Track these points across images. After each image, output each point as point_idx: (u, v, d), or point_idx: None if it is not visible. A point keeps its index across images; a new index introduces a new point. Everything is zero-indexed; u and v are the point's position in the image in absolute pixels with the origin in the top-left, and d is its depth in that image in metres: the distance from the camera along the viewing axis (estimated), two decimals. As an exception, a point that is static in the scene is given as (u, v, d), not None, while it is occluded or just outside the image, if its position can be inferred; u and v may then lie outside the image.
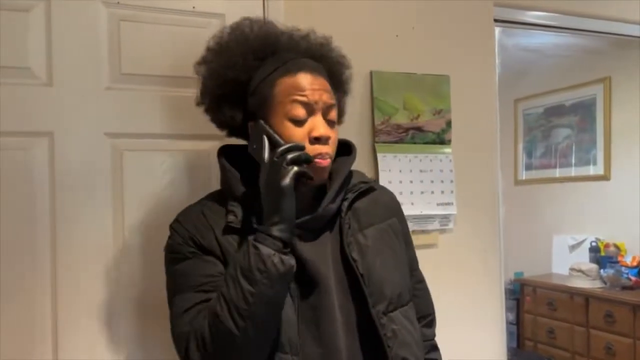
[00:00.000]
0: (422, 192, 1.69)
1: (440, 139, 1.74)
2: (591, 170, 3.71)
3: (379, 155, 1.64)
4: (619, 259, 3.39)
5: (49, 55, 1.26)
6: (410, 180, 1.67)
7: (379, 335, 0.98)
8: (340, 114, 1.12)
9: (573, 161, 3.85)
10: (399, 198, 1.70)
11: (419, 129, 1.71)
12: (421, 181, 1.69)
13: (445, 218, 1.73)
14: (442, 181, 1.72)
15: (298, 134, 0.96)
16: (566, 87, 3.84)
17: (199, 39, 1.40)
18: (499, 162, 1.88)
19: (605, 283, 3.33)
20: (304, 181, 0.93)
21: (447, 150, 1.75)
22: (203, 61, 1.08)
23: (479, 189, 1.82)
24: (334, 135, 1.00)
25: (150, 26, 1.35)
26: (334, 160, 1.04)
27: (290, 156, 0.89)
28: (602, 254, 3.50)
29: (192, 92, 1.38)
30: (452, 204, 1.74)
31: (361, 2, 1.66)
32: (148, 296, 1.33)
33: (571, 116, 3.86)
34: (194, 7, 1.39)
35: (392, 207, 1.17)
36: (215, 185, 1.40)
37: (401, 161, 1.67)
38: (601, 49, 3.26)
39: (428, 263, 1.71)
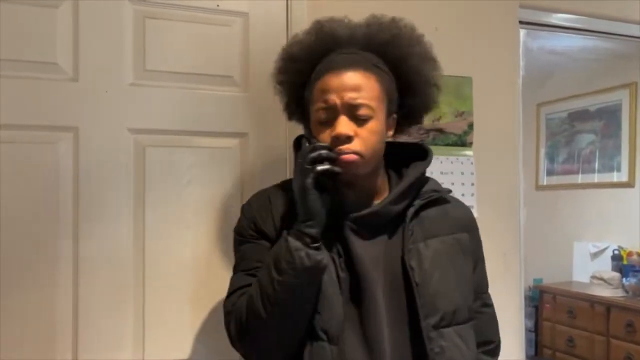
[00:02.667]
0: (442, 195, 1.67)
1: (462, 141, 1.72)
2: (615, 177, 3.64)
3: (399, 157, 1.63)
4: (642, 267, 3.32)
5: (76, 51, 1.28)
6: (430, 182, 1.66)
7: (424, 349, 0.96)
8: (423, 103, 1.10)
9: (596, 167, 3.78)
10: (419, 199, 1.66)
11: (440, 130, 1.69)
12: (442, 183, 1.67)
13: (465, 221, 1.71)
14: (462, 184, 1.71)
15: (325, 135, 0.97)
16: (591, 91, 3.78)
17: (223, 36, 1.42)
18: (520, 166, 1.85)
19: (627, 292, 3.27)
20: (333, 178, 0.95)
21: (469, 152, 1.73)
22: (277, 71, 1.11)
23: (499, 192, 1.80)
24: (364, 132, 0.96)
25: (174, 23, 1.37)
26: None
27: (311, 156, 0.92)
28: (625, 262, 3.44)
29: (215, 89, 1.40)
30: (472, 207, 1.72)
31: (384, 2, 1.64)
32: (171, 292, 1.34)
33: (595, 121, 3.79)
34: (218, 5, 1.40)
35: (464, 222, 1.12)
36: (236, 182, 1.41)
37: (421, 163, 1.65)
38: (628, 53, 3.20)
39: (447, 266, 1.70)
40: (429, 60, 1.08)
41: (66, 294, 1.26)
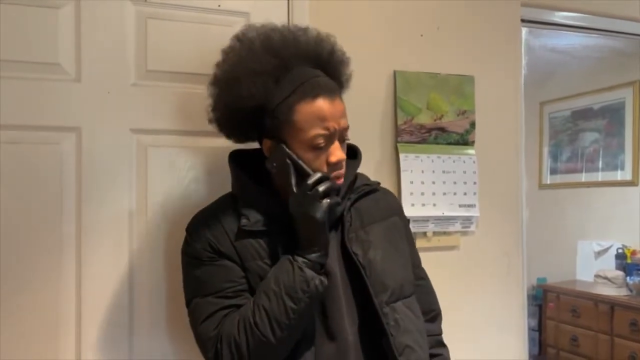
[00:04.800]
0: (444, 193, 1.67)
1: (464, 140, 1.72)
2: (619, 176, 3.63)
3: (401, 156, 1.63)
4: (646, 266, 3.31)
5: (78, 52, 1.29)
6: (432, 181, 1.66)
7: (381, 325, 1.03)
8: None
9: (600, 166, 3.77)
10: (421, 199, 1.66)
11: (442, 129, 1.69)
12: (444, 182, 1.67)
13: (468, 220, 1.71)
14: (464, 183, 1.70)
15: (318, 160, 1.00)
16: (594, 90, 3.77)
17: (224, 37, 1.41)
18: (523, 165, 1.85)
19: (631, 291, 3.26)
20: (334, 210, 1.00)
21: (471, 151, 1.73)
22: (215, 86, 1.09)
23: (502, 191, 1.80)
24: (344, 152, 1.04)
25: (176, 24, 1.37)
26: None
27: (322, 189, 0.96)
28: (629, 261, 3.42)
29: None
30: (474, 205, 1.72)
31: (386, 2, 1.65)
32: (172, 292, 1.35)
33: (599, 120, 3.78)
34: (219, 6, 1.41)
35: (393, 206, 1.23)
36: (237, 182, 1.41)
37: (423, 162, 1.65)
38: (631, 51, 3.19)
39: (449, 265, 1.70)
40: (346, 61, 1.14)
41: (69, 293, 1.27)
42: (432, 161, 1.67)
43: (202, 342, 0.99)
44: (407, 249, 1.19)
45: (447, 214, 1.67)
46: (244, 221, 1.02)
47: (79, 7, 1.29)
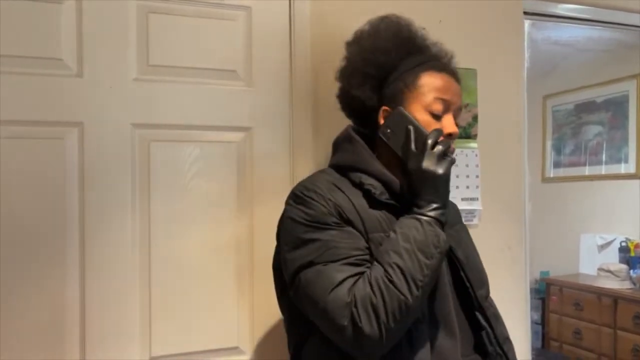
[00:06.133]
0: (446, 187, 1.67)
1: (466, 134, 1.72)
2: (622, 169, 3.62)
3: (404, 149, 1.62)
4: (650, 259, 3.31)
5: (80, 47, 1.29)
6: (434, 175, 1.65)
7: (485, 316, 1.08)
8: None
9: (604, 159, 3.76)
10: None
11: (444, 123, 1.69)
12: (446, 176, 1.67)
13: (470, 213, 1.71)
14: (467, 176, 1.70)
15: (434, 127, 1.03)
16: (597, 83, 3.75)
17: (226, 31, 1.42)
18: (525, 158, 1.85)
19: (634, 284, 3.26)
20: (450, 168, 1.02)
21: (473, 145, 1.73)
22: (355, 42, 1.15)
23: (504, 185, 1.79)
24: None
25: (178, 18, 1.37)
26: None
27: (441, 147, 0.99)
28: (632, 254, 3.41)
29: (219, 83, 1.41)
30: (477, 199, 1.71)
31: (388, -5, 1.64)
32: (176, 286, 1.35)
33: (602, 113, 3.76)
34: None
35: (458, 211, 1.29)
36: (241, 176, 1.41)
37: (426, 155, 1.65)
38: (634, 43, 3.17)
39: (452, 258, 1.70)
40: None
41: (73, 290, 1.27)
42: (435, 155, 1.66)
43: (333, 310, 0.92)
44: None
45: (449, 207, 1.67)
46: (372, 189, 1.02)
47: (81, 2, 1.29)
